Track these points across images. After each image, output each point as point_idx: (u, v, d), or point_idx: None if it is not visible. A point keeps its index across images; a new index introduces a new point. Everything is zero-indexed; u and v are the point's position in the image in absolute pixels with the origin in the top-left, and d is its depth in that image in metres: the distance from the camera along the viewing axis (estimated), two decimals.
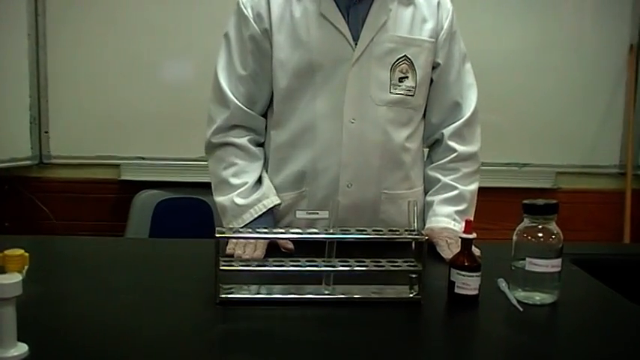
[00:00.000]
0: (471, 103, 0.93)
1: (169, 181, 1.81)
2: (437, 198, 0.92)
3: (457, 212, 0.90)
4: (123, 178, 1.82)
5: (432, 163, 0.95)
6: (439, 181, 0.93)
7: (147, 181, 1.81)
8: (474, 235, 0.69)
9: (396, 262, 0.69)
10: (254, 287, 0.68)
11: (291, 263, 0.67)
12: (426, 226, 0.90)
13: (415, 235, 0.69)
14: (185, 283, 0.72)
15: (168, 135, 1.80)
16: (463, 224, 0.69)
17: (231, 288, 0.67)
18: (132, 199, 1.81)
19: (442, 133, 0.94)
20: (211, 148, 0.89)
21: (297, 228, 0.70)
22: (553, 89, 1.80)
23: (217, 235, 0.65)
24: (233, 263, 0.67)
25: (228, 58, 0.89)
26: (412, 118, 0.92)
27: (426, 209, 0.93)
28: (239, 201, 0.88)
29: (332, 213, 0.67)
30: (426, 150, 0.98)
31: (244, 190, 0.89)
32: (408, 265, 0.68)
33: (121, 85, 1.77)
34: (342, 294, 0.68)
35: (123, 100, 1.78)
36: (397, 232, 0.70)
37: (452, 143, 0.93)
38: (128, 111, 1.78)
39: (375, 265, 0.68)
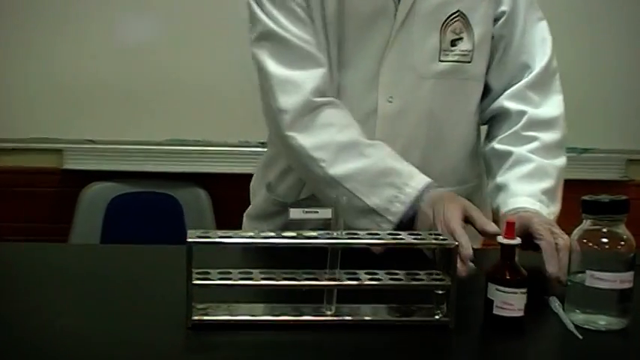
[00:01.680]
0: (543, 57, 0.93)
1: (126, 171, 1.81)
2: (511, 175, 0.90)
3: (544, 192, 0.88)
4: (66, 167, 1.82)
5: (495, 138, 0.95)
6: (511, 154, 0.91)
7: (97, 171, 1.81)
8: (517, 241, 0.68)
9: (418, 274, 0.69)
10: (237, 306, 0.68)
11: (284, 276, 0.67)
12: (503, 211, 0.87)
13: (442, 240, 0.68)
14: (147, 302, 0.72)
15: (125, 113, 1.79)
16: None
17: (207, 308, 0.67)
18: (78, 193, 1.80)
19: (504, 97, 0.94)
20: (308, 110, 0.88)
21: (291, 231, 0.70)
22: (623, 56, 1.78)
23: (190, 240, 0.64)
24: (210, 276, 0.66)
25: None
26: (468, 94, 0.93)
27: (493, 197, 0.92)
28: (399, 164, 0.88)
29: (338, 212, 0.67)
30: (483, 134, 0.99)
31: (391, 150, 0.89)
32: (432, 279, 0.68)
33: (64, 49, 1.75)
34: (349, 316, 0.68)
35: (66, 69, 1.76)
36: (419, 237, 0.69)
37: (519, 106, 0.93)
38: (73, 81, 1.76)
39: (391, 279, 0.68)
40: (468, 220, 0.81)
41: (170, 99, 1.80)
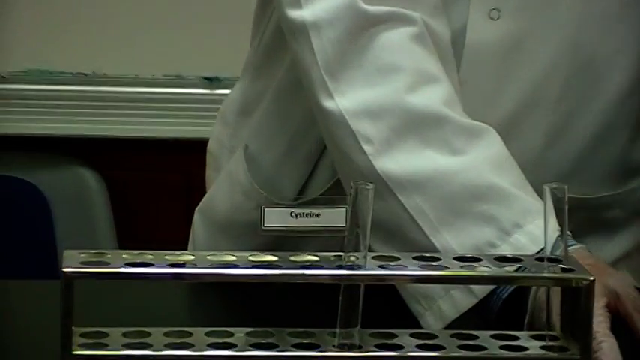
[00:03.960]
0: None
1: None
2: None
3: None
4: None
5: None
6: None
7: None
8: None
9: (515, 337, 0.66)
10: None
11: (248, 342, 0.64)
12: None
13: (570, 272, 0.65)
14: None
15: None
16: None
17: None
18: None
19: None
20: (356, 29, 0.88)
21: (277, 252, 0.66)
22: None
23: (67, 271, 0.61)
24: (107, 340, 0.64)
25: None
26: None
27: None
28: (508, 181, 0.86)
29: (361, 211, 0.62)
30: None
31: (503, 148, 0.89)
32: (550, 343, 0.65)
33: None
34: None
35: None
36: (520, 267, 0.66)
37: None
38: None
39: (471, 346, 0.65)
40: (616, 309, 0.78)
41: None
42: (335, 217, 0.64)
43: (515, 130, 0.91)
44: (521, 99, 0.93)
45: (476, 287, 0.82)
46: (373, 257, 0.64)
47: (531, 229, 0.83)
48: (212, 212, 1.07)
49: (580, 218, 0.89)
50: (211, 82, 1.93)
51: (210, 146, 1.11)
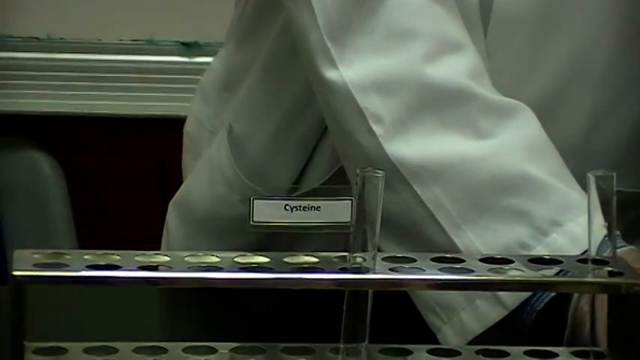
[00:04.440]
0: None
1: None
2: None
3: None
4: None
5: None
6: None
7: None
8: None
9: (553, 354, 0.67)
10: None
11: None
12: None
13: (619, 276, 0.65)
14: None
15: None
16: None
17: None
18: None
19: None
20: None
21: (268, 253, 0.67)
22: None
23: (17, 274, 0.61)
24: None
25: None
26: None
27: None
28: (544, 170, 0.86)
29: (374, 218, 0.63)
30: None
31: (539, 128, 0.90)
32: None
33: None
34: None
35: None
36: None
37: None
38: None
39: None
40: None
41: None
42: (338, 210, 0.64)
43: (553, 111, 0.91)
44: (560, 73, 0.93)
45: (505, 296, 0.81)
46: (383, 259, 0.63)
47: (572, 227, 0.82)
48: (189, 206, 1.07)
49: (630, 217, 0.90)
50: (190, 48, 1.93)
51: (187, 127, 1.11)
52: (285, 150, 1.01)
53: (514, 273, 0.65)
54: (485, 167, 0.85)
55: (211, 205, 1.05)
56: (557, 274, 0.67)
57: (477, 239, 0.84)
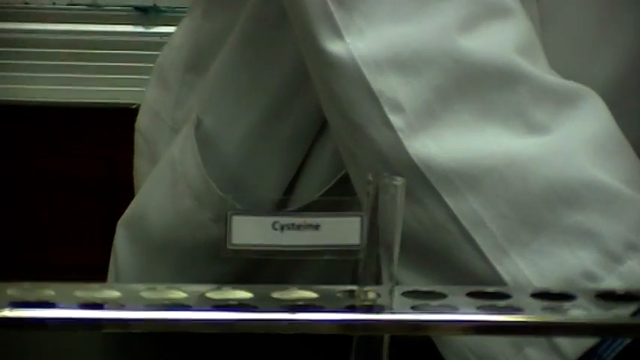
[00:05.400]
0: None
1: None
2: None
3: None
4: None
5: None
6: None
7: None
8: None
9: None
10: None
11: None
12: None
13: None
14: None
15: None
16: None
17: None
18: None
19: None
20: None
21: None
22: None
23: None
24: None
25: None
26: None
27: None
28: (614, 176, 0.88)
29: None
30: None
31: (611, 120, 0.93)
32: None
33: None
34: None
35: None
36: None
37: None
38: None
39: None
40: None
41: None
42: (343, 229, 0.64)
43: (625, 101, 0.92)
44: (636, 52, 0.94)
45: (564, 343, 0.82)
46: (403, 293, 0.64)
47: None
48: (144, 226, 1.08)
49: None
50: (146, 14, 1.94)
51: (139, 122, 1.13)
52: (270, 150, 1.02)
53: (577, 313, 0.65)
54: (539, 172, 0.86)
55: (173, 226, 1.06)
56: (634, 313, 0.66)
57: (527, 268, 0.84)
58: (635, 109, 0.95)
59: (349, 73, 0.88)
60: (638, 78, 0.97)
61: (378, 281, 0.63)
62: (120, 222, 1.12)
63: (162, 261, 1.08)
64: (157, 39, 1.78)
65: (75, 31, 1.93)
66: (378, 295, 0.62)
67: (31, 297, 0.64)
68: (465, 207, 0.85)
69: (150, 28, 1.88)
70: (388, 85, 0.87)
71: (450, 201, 0.85)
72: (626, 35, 0.96)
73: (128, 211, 1.12)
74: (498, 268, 0.84)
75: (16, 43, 1.89)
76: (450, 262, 0.86)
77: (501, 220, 0.85)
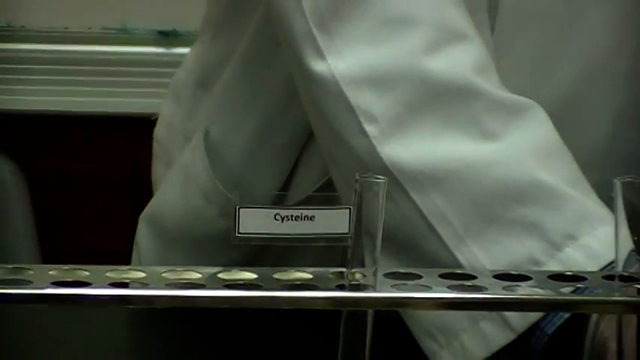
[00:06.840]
0: None
1: None
2: None
3: None
4: None
5: None
6: None
7: None
8: None
9: None
10: None
11: None
12: None
13: None
14: None
15: None
16: None
17: None
18: None
19: None
20: None
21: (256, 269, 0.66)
22: None
23: None
24: None
25: None
26: None
27: None
28: (558, 176, 0.87)
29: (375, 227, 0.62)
30: None
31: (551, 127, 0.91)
32: None
33: None
34: None
35: None
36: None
37: None
38: None
39: None
40: None
41: None
42: (334, 220, 0.64)
43: (572, 116, 0.91)
44: (581, 74, 0.94)
45: (513, 318, 0.82)
46: (385, 275, 0.63)
47: (588, 240, 0.83)
48: (161, 221, 1.08)
49: None
50: (167, 37, 1.93)
51: (157, 132, 1.12)
52: (268, 155, 1.01)
53: (528, 291, 0.65)
54: (492, 173, 0.86)
55: (186, 220, 1.05)
56: (573, 292, 0.67)
57: (482, 255, 0.84)
58: (581, 120, 0.94)
59: (331, 89, 0.88)
60: (585, 94, 0.96)
61: (363, 264, 0.62)
62: (141, 217, 1.12)
63: (178, 250, 1.07)
64: (176, 59, 1.78)
65: (107, 52, 1.92)
66: (364, 276, 0.62)
67: (69, 277, 0.64)
68: (429, 203, 0.85)
69: (170, 49, 1.88)
70: (364, 100, 0.87)
71: (417, 198, 0.86)
72: (577, 56, 0.95)
73: (147, 208, 1.12)
74: (458, 255, 0.84)
75: (57, 61, 1.87)
76: (418, 251, 0.86)
77: (461, 214, 0.85)
